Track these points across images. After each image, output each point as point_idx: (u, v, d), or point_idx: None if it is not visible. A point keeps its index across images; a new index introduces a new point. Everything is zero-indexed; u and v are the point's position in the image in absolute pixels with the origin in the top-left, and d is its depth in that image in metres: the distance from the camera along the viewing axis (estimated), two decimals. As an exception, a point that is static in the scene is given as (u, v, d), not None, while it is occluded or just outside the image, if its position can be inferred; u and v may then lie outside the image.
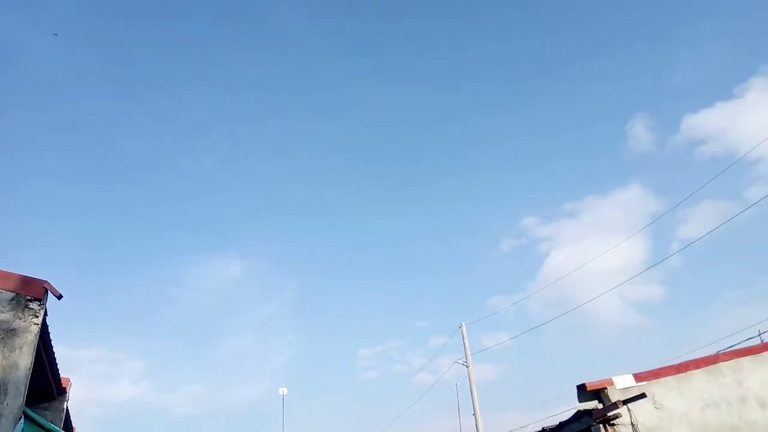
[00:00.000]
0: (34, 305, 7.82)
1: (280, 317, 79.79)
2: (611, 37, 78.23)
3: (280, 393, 32.64)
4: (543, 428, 12.00)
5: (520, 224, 78.44)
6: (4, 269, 7.79)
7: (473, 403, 24.99)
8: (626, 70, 77.66)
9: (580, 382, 9.86)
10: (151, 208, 78.68)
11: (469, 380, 25.24)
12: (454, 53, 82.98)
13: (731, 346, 16.42)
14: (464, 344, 26.04)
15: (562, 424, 10.54)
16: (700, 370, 10.02)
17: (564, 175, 78.54)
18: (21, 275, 7.84)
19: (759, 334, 16.22)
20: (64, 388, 12.46)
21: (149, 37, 74.74)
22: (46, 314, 7.98)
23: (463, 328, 26.30)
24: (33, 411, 8.10)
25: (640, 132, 73.60)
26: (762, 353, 10.62)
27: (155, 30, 74.75)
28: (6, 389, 7.28)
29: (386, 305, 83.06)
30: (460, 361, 26.00)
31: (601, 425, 9.10)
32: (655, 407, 9.59)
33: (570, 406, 10.93)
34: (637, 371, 9.97)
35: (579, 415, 9.76)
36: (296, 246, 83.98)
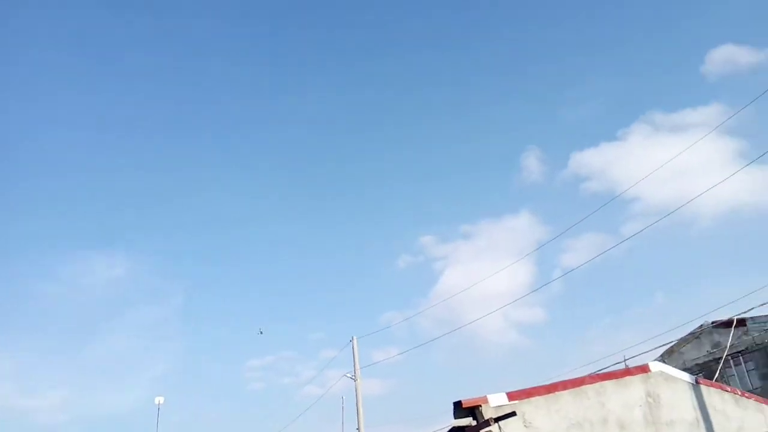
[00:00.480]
0: None
1: (165, 322, 76.18)
2: (518, 75, 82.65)
3: (156, 402, 30.92)
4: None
5: (419, 242, 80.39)
6: None
7: (358, 417, 24.94)
8: (525, 105, 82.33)
9: (458, 399, 10.04)
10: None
11: (356, 394, 25.20)
12: (361, 63, 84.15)
13: (600, 370, 17.59)
14: (354, 358, 26.00)
15: (437, 440, 10.69)
16: (567, 391, 10.52)
17: (463, 197, 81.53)
18: None
19: (624, 360, 17.42)
20: None
21: None
22: None
23: (354, 341, 26.27)
24: None
25: (532, 163, 77.95)
26: (624, 378, 11.36)
27: None
28: None
29: (281, 316, 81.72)
30: (349, 375, 25.92)
31: (473, 442, 9.29)
32: (525, 425, 9.94)
33: (450, 423, 11.14)
34: (514, 389, 10.34)
35: (454, 431, 9.93)
36: (186, 248, 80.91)
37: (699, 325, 22.06)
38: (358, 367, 25.67)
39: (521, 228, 75.08)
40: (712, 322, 21.55)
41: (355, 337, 26.28)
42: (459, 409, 9.84)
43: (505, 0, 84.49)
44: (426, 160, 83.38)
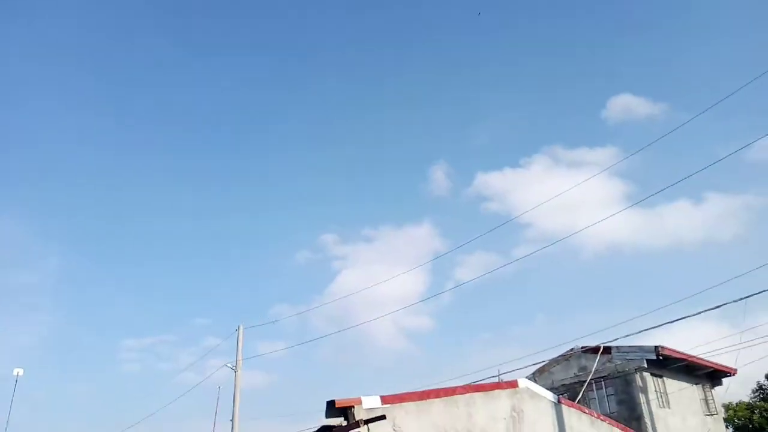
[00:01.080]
0: None
1: (34, 290, 70.92)
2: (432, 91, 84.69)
3: (15, 374, 28.62)
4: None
5: (319, 239, 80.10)
6: None
7: (234, 408, 24.35)
8: (440, 120, 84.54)
9: (332, 399, 10.04)
10: None
11: (235, 385, 24.61)
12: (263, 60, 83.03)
13: (475, 381, 18.32)
14: (237, 347, 25.38)
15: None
16: (439, 399, 10.82)
17: (368, 200, 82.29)
18: None
19: (498, 374, 18.16)
20: None
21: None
22: None
23: (240, 330, 25.65)
24: None
25: (440, 177, 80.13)
26: (493, 391, 11.86)
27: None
28: None
29: (166, 295, 78.48)
30: (230, 365, 25.25)
31: (341, 442, 9.31)
32: (394, 429, 10.10)
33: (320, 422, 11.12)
34: (393, 393, 10.49)
35: (323, 431, 9.90)
36: (65, 216, 75.95)
37: (570, 348, 23.50)
38: (240, 357, 25.07)
39: (421, 237, 76.84)
40: (582, 347, 23.02)
41: (241, 326, 25.65)
42: (332, 409, 9.84)
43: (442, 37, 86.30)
44: (335, 159, 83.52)
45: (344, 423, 9.80)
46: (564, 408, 13.53)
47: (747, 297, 15.08)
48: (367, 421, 9.31)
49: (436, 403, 10.76)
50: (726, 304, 15.82)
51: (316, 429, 10.15)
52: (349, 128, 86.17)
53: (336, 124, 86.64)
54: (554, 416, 13.32)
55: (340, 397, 10.03)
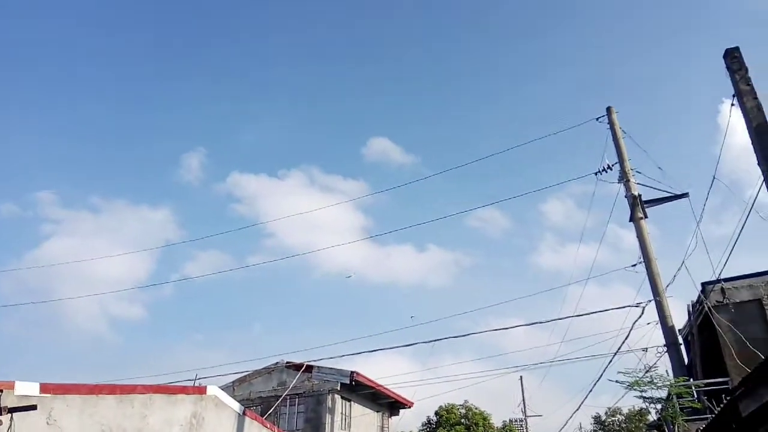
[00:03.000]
0: None
1: None
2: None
3: None
4: None
5: (35, 195, 69.94)
6: None
7: None
8: (216, 109, 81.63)
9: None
10: None
11: None
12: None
13: (172, 382, 17.49)
14: None
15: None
16: (113, 396, 9.95)
17: (106, 166, 74.54)
18: None
19: (195, 378, 17.60)
20: None
21: None
22: None
23: None
24: None
25: (194, 166, 76.83)
26: (177, 395, 11.35)
27: None
28: None
29: None
30: None
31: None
32: (48, 423, 8.94)
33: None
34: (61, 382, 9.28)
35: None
36: None
37: (275, 362, 23.98)
38: None
39: (157, 222, 72.22)
40: (287, 362, 23.67)
41: None
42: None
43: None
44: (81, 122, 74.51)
45: None
46: (247, 420, 13.57)
47: (435, 340, 17.18)
48: (13, 410, 8.07)
49: (108, 400, 9.86)
50: (417, 343, 17.84)
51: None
52: (110, 89, 77.85)
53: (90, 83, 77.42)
54: (236, 427, 13.27)
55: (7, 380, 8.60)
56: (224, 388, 19.61)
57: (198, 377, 17.61)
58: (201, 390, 12.04)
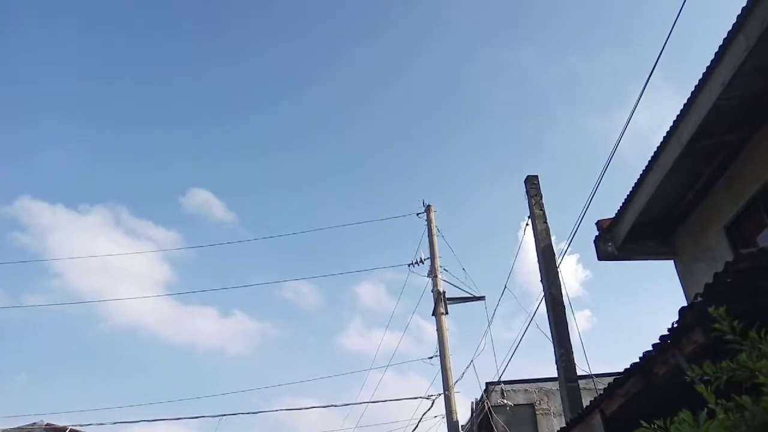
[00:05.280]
0: None
1: None
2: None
3: None
4: None
5: None
6: None
7: None
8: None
9: None
10: None
11: None
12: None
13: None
14: None
15: None
16: None
17: None
18: None
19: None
20: None
21: None
22: None
23: None
24: None
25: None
26: None
27: None
28: None
29: None
30: None
31: None
32: None
33: None
34: None
35: None
36: None
37: (33, 422, 20.81)
38: None
39: None
40: (47, 424, 20.65)
41: None
42: None
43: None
44: None
45: None
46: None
47: (224, 415, 16.10)
48: None
49: None
50: (205, 416, 16.58)
51: None
52: None
53: None
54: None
55: None
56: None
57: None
58: None
